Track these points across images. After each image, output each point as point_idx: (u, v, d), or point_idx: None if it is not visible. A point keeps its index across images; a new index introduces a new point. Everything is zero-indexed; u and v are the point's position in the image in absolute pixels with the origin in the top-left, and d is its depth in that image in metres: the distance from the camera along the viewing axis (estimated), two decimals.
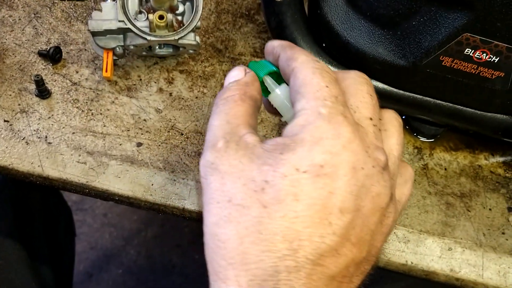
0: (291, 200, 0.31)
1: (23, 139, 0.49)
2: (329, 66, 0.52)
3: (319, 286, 0.31)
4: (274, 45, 0.40)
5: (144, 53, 0.54)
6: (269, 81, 0.40)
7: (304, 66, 0.36)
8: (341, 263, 0.32)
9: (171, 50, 0.55)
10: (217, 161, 0.34)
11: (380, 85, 0.52)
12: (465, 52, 0.46)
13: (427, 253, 0.49)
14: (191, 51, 0.54)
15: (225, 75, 0.56)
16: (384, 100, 0.53)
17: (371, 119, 0.36)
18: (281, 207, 0.31)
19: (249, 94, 0.38)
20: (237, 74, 0.39)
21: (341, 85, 0.37)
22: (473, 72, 0.47)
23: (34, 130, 0.49)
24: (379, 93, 0.52)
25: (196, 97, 0.54)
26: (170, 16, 0.50)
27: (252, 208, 0.32)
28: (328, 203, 0.31)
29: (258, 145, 0.34)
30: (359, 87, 0.37)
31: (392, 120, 0.39)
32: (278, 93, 0.39)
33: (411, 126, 0.56)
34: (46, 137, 0.49)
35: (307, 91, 0.35)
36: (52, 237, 0.72)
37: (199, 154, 0.50)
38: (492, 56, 0.46)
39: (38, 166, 0.48)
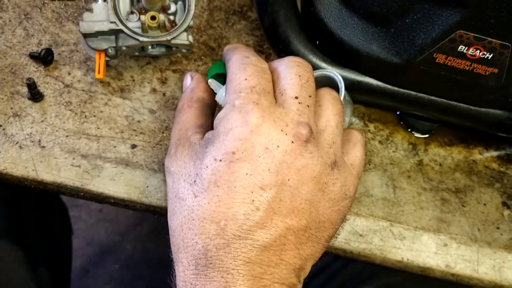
0: (213, 187, 0.36)
1: (17, 143, 0.48)
2: (323, 64, 0.52)
3: (251, 257, 0.35)
4: (224, 50, 0.45)
5: (136, 53, 0.53)
6: (213, 84, 0.45)
7: (233, 64, 0.41)
8: (272, 234, 0.35)
9: (164, 50, 0.54)
10: (169, 165, 0.41)
11: (374, 82, 0.52)
12: (458, 49, 0.46)
13: (422, 250, 0.49)
14: (184, 51, 0.54)
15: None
16: (379, 96, 0.53)
17: (296, 97, 0.39)
18: (206, 194, 0.36)
19: (195, 98, 0.44)
20: (186, 82, 0.47)
21: (275, 72, 0.41)
22: (467, 68, 0.47)
23: (28, 134, 0.49)
24: (374, 90, 0.52)
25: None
26: (162, 16, 0.49)
27: (188, 199, 0.37)
28: (247, 183, 0.35)
29: (197, 142, 0.40)
30: (289, 70, 0.41)
31: (325, 95, 0.42)
32: (221, 92, 0.44)
33: (405, 122, 0.56)
34: (39, 141, 0.49)
35: (229, 87, 0.40)
36: (47, 236, 0.72)
37: None
38: (485, 53, 0.46)
39: (32, 170, 0.47)
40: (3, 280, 0.57)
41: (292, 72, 0.41)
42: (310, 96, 0.40)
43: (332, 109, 0.42)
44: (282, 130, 0.37)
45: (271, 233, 0.35)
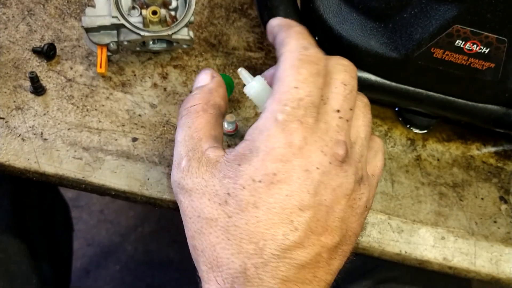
0: (252, 208, 0.35)
1: (19, 135, 0.49)
2: None
3: (289, 275, 0.34)
4: (273, 25, 0.40)
5: (138, 48, 0.54)
6: (244, 74, 0.41)
7: (289, 55, 0.37)
8: (309, 252, 0.35)
9: (165, 45, 0.55)
10: (182, 181, 0.38)
11: (373, 77, 0.52)
12: (455, 44, 0.47)
13: (420, 243, 0.50)
14: (185, 46, 0.55)
15: (219, 70, 0.57)
16: (377, 92, 0.53)
17: (338, 111, 0.37)
18: (244, 215, 0.35)
19: (212, 102, 0.40)
20: (203, 78, 0.42)
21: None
22: (464, 63, 0.48)
23: (30, 127, 0.49)
24: (372, 86, 0.52)
25: (190, 92, 0.54)
26: (163, 11, 0.50)
27: (219, 220, 0.35)
28: (286, 204, 0.35)
29: (220, 159, 0.37)
30: (334, 76, 0.38)
31: (357, 101, 0.40)
32: (253, 84, 0.40)
33: (404, 118, 0.57)
34: (41, 133, 0.49)
35: (277, 89, 0.36)
36: (49, 232, 0.73)
37: None
38: (482, 47, 0.46)
39: (35, 162, 0.48)
40: (6, 271, 0.57)
41: (338, 79, 0.38)
42: (350, 109, 0.38)
43: (363, 119, 0.40)
44: (322, 151, 0.36)
45: (308, 252, 0.35)
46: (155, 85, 0.54)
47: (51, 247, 0.71)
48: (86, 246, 1.42)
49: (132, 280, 1.39)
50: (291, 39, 0.38)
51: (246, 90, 0.41)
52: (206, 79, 0.42)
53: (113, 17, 0.50)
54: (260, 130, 0.36)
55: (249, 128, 0.37)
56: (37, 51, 0.54)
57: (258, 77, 0.41)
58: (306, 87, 0.36)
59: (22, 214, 0.64)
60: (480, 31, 0.45)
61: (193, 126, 0.39)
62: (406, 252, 0.49)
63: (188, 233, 0.38)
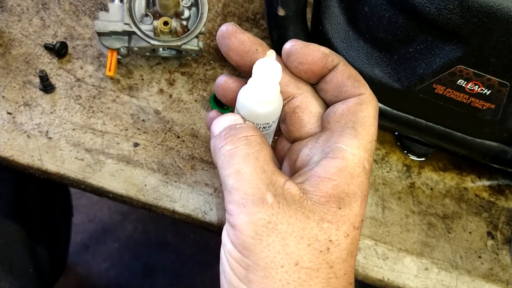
0: (350, 257, 0.33)
1: (25, 132, 0.50)
2: None
3: None
4: (325, 52, 0.37)
5: (147, 53, 0.55)
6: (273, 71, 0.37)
7: (371, 102, 0.36)
8: None
9: (174, 52, 0.56)
10: (274, 220, 0.31)
11: None
12: (457, 83, 0.47)
13: (404, 271, 0.51)
14: (193, 55, 0.56)
15: None
16: (378, 117, 0.54)
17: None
18: (344, 265, 0.33)
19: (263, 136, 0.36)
20: (235, 119, 0.36)
21: None
22: (465, 101, 0.49)
23: (36, 124, 0.51)
24: None
25: (195, 100, 0.55)
26: (174, 23, 0.51)
27: (321, 270, 0.32)
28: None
29: (304, 197, 0.33)
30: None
31: None
32: (271, 97, 0.36)
33: (402, 144, 0.58)
34: (47, 132, 0.51)
35: (363, 136, 0.35)
36: (49, 217, 0.75)
37: (193, 157, 0.52)
38: (484, 89, 0.47)
39: (38, 159, 0.50)
40: (4, 258, 0.59)
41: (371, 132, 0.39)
42: None
43: None
44: None
45: None
46: (161, 90, 0.55)
47: (50, 231, 0.73)
48: (88, 221, 1.45)
49: (129, 258, 1.42)
50: (364, 81, 0.38)
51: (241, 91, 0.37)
52: (238, 119, 0.37)
53: (125, 23, 0.51)
54: (352, 175, 0.33)
55: (322, 164, 0.34)
56: (49, 48, 0.55)
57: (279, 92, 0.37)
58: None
59: (23, 200, 0.66)
60: (483, 74, 0.46)
61: (261, 158, 0.33)
62: (388, 279, 0.50)
63: (275, 285, 0.31)
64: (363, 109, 0.36)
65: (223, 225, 0.49)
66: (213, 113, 0.41)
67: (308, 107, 0.38)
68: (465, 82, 0.47)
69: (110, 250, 1.42)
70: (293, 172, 0.38)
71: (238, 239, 0.32)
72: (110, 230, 1.45)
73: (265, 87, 0.35)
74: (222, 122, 0.35)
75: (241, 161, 0.33)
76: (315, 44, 0.37)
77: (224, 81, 0.39)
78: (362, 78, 0.38)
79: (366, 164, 0.34)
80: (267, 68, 0.35)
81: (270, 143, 0.42)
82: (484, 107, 0.49)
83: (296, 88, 0.38)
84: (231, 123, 0.35)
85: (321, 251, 0.32)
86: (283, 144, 0.42)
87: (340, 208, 0.33)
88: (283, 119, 0.40)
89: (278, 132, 0.42)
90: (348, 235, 0.33)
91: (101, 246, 1.42)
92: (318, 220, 0.32)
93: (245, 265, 0.32)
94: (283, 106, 0.39)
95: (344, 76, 0.37)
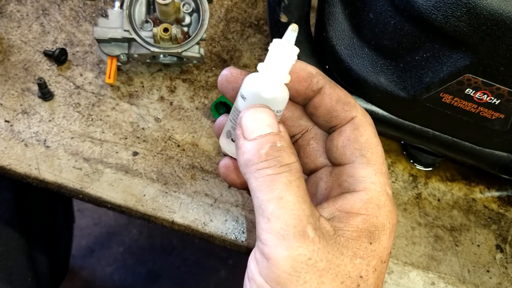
0: None
1: (22, 141, 0.50)
2: None
3: None
4: (311, 72, 0.35)
5: (148, 60, 0.54)
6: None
7: (366, 121, 0.35)
8: None
9: (175, 59, 0.55)
10: (315, 257, 0.30)
11: (380, 111, 0.52)
12: (465, 92, 0.46)
13: (409, 286, 0.49)
14: (195, 62, 0.54)
15: None
16: (383, 126, 0.53)
17: None
18: None
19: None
20: (271, 122, 0.32)
21: None
22: (473, 111, 0.47)
23: (34, 133, 0.50)
24: (379, 119, 0.52)
25: (197, 108, 0.54)
26: (174, 29, 0.50)
27: None
28: None
29: (337, 232, 0.32)
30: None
31: None
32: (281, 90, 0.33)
33: (408, 153, 0.56)
34: (45, 140, 0.50)
35: (373, 160, 0.33)
36: (50, 223, 0.74)
37: (193, 167, 0.51)
38: (493, 98, 0.45)
39: (35, 169, 0.49)
40: (4, 266, 0.59)
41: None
42: None
43: None
44: None
45: None
46: (162, 98, 0.54)
47: (51, 238, 0.72)
48: (93, 225, 1.44)
49: (133, 263, 1.41)
50: (355, 101, 0.36)
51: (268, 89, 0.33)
52: (273, 122, 0.32)
53: (125, 30, 0.50)
54: (378, 206, 0.32)
55: (353, 201, 0.33)
56: (48, 55, 0.54)
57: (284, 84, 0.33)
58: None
59: (24, 206, 0.66)
60: (492, 83, 0.44)
61: (302, 187, 0.31)
62: None
63: None
64: (362, 133, 0.34)
65: (223, 237, 0.49)
66: (223, 117, 0.38)
67: (322, 137, 0.37)
68: (474, 91, 0.45)
69: (115, 254, 1.42)
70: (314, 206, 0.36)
71: (272, 273, 0.29)
72: (115, 234, 1.44)
73: (282, 69, 0.33)
74: (257, 123, 0.32)
75: (283, 187, 0.30)
76: (303, 62, 0.36)
77: (229, 72, 0.36)
78: (351, 97, 0.36)
79: (388, 189, 0.33)
80: (284, 51, 0.33)
81: None
82: (493, 117, 0.47)
83: (308, 121, 0.37)
84: (268, 131, 0.31)
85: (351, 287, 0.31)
86: None
87: (371, 243, 0.32)
88: (297, 153, 0.37)
89: None
90: (376, 270, 0.32)
91: (106, 250, 1.42)
92: (351, 256, 0.31)
93: None
94: (297, 140, 0.38)
95: (333, 100, 0.35)
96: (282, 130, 0.32)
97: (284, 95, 0.34)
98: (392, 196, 0.33)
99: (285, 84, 0.33)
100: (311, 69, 0.35)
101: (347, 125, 0.35)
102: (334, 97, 0.35)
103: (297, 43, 0.53)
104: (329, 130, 0.37)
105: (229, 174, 0.36)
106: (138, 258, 1.42)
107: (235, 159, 0.34)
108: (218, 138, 0.37)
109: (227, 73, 0.36)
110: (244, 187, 0.37)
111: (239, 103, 0.33)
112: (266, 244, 0.29)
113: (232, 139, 0.35)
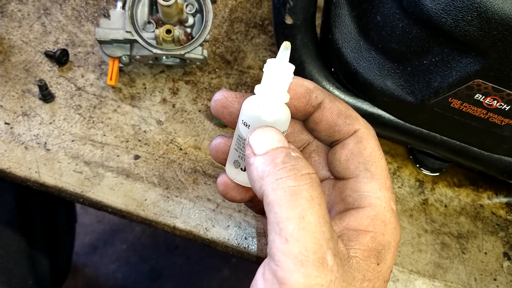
0: None
1: (23, 143, 0.49)
2: (336, 92, 0.51)
3: None
4: (309, 87, 0.34)
5: (150, 62, 0.53)
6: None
7: (369, 134, 0.34)
8: None
9: (178, 60, 0.54)
10: (332, 286, 0.28)
11: (387, 115, 0.51)
12: (475, 97, 0.44)
13: None
14: (198, 63, 0.54)
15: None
16: (390, 130, 0.52)
17: None
18: None
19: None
20: (280, 138, 0.30)
21: None
22: (482, 116, 0.46)
23: (34, 135, 0.49)
24: (385, 123, 0.51)
25: (199, 110, 0.53)
26: (177, 31, 0.49)
27: None
28: None
29: (349, 251, 0.31)
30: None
31: None
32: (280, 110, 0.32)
33: (415, 158, 0.55)
34: (45, 143, 0.49)
35: (377, 174, 0.33)
36: (51, 225, 0.73)
37: (195, 171, 0.50)
38: (503, 104, 0.44)
39: (36, 172, 0.48)
40: (5, 268, 0.58)
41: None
42: None
43: None
44: None
45: None
46: (164, 100, 0.53)
47: (52, 240, 0.72)
48: (96, 222, 1.44)
49: (137, 260, 1.41)
50: (357, 114, 0.35)
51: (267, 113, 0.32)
52: (281, 139, 0.31)
53: (127, 31, 0.49)
54: (384, 223, 0.31)
55: (360, 217, 0.32)
56: (49, 55, 0.53)
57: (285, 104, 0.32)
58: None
59: (25, 208, 0.65)
60: (502, 88, 0.43)
61: (323, 204, 0.29)
62: None
63: None
64: (365, 146, 0.33)
65: (225, 243, 0.48)
66: (219, 139, 0.36)
67: (324, 150, 0.36)
68: (483, 97, 0.44)
69: (118, 252, 1.41)
70: None
71: None
72: (118, 231, 1.44)
73: (281, 89, 0.31)
74: (266, 139, 0.30)
75: (305, 205, 0.28)
76: (299, 78, 0.34)
77: (223, 96, 0.34)
78: (352, 109, 0.35)
79: (393, 205, 0.32)
80: (280, 71, 0.30)
81: None
82: (503, 123, 0.46)
83: (309, 134, 0.36)
84: (280, 145, 0.30)
85: None
86: None
87: (378, 264, 0.31)
88: None
89: None
90: None
91: (109, 248, 1.41)
92: (361, 279, 0.30)
93: None
94: None
95: (334, 114, 0.34)
96: (293, 147, 0.30)
97: (286, 115, 0.33)
98: (396, 212, 0.32)
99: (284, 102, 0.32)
100: (308, 84, 0.34)
101: (350, 138, 0.34)
102: (335, 110, 0.34)
103: (301, 46, 0.52)
104: (331, 144, 0.35)
105: (229, 191, 0.35)
106: (141, 256, 1.41)
107: None
108: (216, 161, 0.36)
109: (221, 97, 0.34)
110: (244, 201, 0.36)
111: (241, 130, 0.32)
112: (281, 267, 0.27)
113: (241, 169, 0.33)
